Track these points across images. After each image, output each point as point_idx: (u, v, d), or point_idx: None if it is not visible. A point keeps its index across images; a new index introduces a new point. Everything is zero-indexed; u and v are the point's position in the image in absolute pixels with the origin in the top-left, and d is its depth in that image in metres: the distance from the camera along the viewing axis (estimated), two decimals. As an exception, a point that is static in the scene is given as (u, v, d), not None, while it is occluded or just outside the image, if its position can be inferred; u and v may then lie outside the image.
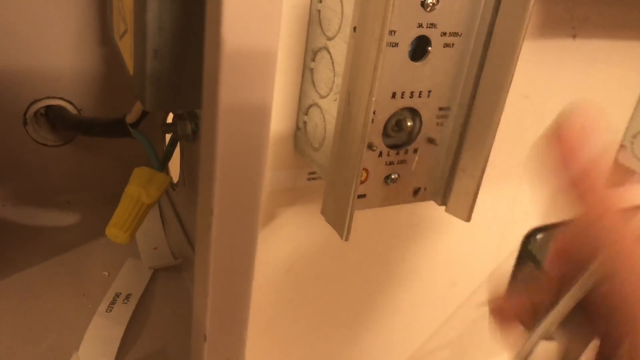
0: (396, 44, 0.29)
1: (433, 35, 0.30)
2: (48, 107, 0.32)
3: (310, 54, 0.35)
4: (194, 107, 0.21)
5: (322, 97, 0.34)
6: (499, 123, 0.32)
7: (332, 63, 0.32)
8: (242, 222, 0.18)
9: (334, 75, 0.32)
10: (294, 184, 0.40)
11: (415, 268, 0.50)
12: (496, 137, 0.33)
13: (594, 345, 0.22)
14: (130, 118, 0.27)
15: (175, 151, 0.31)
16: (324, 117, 0.34)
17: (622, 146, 0.55)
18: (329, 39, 0.32)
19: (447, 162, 0.35)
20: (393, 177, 0.34)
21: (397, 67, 0.30)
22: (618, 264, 0.19)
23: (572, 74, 0.48)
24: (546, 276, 0.23)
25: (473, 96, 0.33)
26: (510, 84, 0.31)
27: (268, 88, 0.17)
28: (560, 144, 0.21)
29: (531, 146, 0.50)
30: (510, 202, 0.53)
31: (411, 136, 0.34)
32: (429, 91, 0.32)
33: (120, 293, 0.28)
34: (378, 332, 0.52)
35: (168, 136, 0.30)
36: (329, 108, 0.33)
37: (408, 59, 0.30)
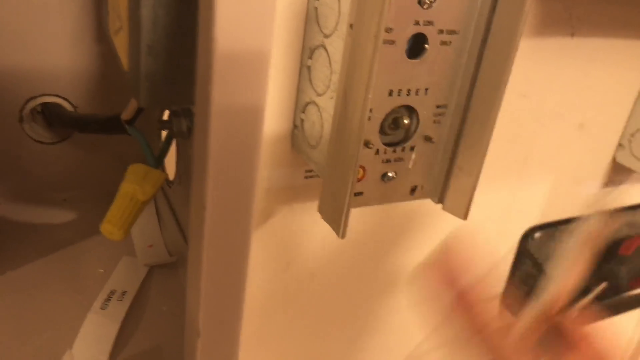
0: (393, 42, 0.29)
1: (430, 32, 0.30)
2: (44, 104, 0.32)
3: (307, 52, 0.35)
4: (188, 103, 0.21)
5: (319, 94, 0.34)
6: (496, 121, 0.32)
7: (329, 61, 0.32)
8: (235, 217, 0.18)
9: (331, 73, 0.32)
10: (291, 182, 0.40)
11: (412, 266, 0.50)
12: (494, 136, 0.33)
13: None
14: (125, 115, 0.27)
15: (172, 148, 0.31)
16: (321, 115, 0.34)
17: (620, 145, 0.55)
18: (326, 36, 0.32)
19: (444, 160, 0.35)
20: (390, 175, 0.34)
21: (393, 64, 0.30)
22: None
23: (570, 72, 0.48)
24: None
25: (470, 94, 0.33)
26: (507, 82, 0.31)
27: (261, 88, 0.17)
28: (445, 269, 0.24)
29: (529, 145, 0.50)
30: (508, 200, 0.53)
31: (408, 134, 0.34)
32: (426, 89, 0.32)
33: (116, 290, 0.28)
34: (375, 331, 0.52)
35: (165, 133, 0.30)
36: (326, 106, 0.33)
37: (405, 57, 0.30)
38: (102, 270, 0.30)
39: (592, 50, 0.47)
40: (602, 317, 0.61)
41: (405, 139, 0.34)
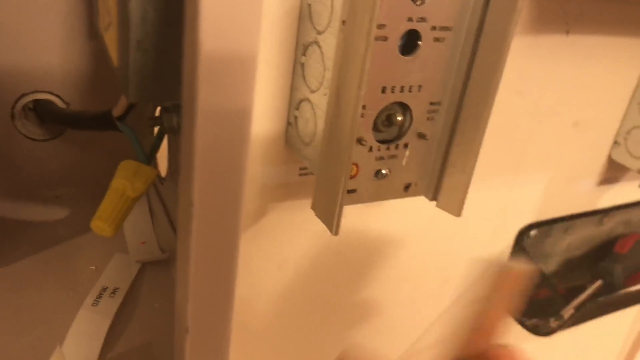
0: (385, 38, 0.29)
1: (423, 29, 0.30)
2: (36, 101, 0.32)
3: (301, 49, 0.35)
4: (178, 99, 0.21)
5: (312, 91, 0.34)
6: (489, 118, 0.32)
7: (323, 57, 0.32)
8: (224, 214, 0.18)
9: (325, 70, 0.32)
10: (286, 180, 0.40)
11: (406, 265, 0.50)
12: (490, 134, 0.33)
13: None
14: (116, 111, 0.27)
15: (164, 145, 0.31)
16: (314, 112, 0.34)
17: (615, 143, 0.55)
18: (320, 33, 0.32)
19: (438, 157, 0.35)
20: (384, 172, 0.34)
21: (386, 61, 0.30)
22: None
23: (565, 70, 0.48)
24: None
25: (464, 91, 0.33)
26: (500, 79, 0.31)
27: (248, 86, 0.17)
28: None
29: (525, 142, 0.50)
30: (504, 198, 0.53)
31: (402, 131, 0.33)
32: (420, 86, 0.32)
33: (107, 287, 0.28)
34: (370, 329, 0.52)
35: (157, 129, 0.30)
36: (320, 103, 0.33)
37: (398, 53, 0.30)
38: (94, 267, 0.30)
39: (587, 48, 0.47)
40: (598, 315, 0.61)
41: (399, 136, 0.34)
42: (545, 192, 0.55)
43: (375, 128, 0.32)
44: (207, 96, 0.16)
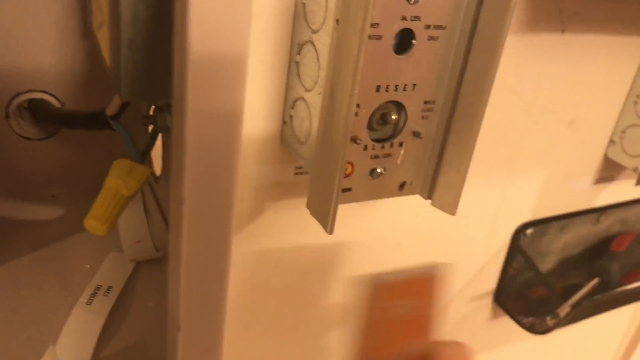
0: (379, 37, 0.29)
1: (417, 28, 0.30)
2: (31, 100, 0.32)
3: (296, 48, 0.35)
4: (170, 98, 0.21)
5: (307, 90, 0.34)
6: (483, 117, 0.32)
7: (317, 56, 0.32)
8: (215, 212, 0.18)
9: (319, 69, 0.32)
10: (281, 179, 0.40)
11: (402, 263, 0.50)
12: (486, 132, 0.33)
13: None
14: (110, 110, 0.27)
15: (160, 144, 0.31)
16: (309, 111, 0.34)
17: (611, 141, 0.55)
18: (314, 32, 0.32)
19: (433, 156, 0.35)
20: (379, 170, 0.34)
21: (381, 60, 0.30)
22: None
23: (561, 69, 0.48)
24: None
25: (458, 90, 0.33)
26: (494, 78, 0.31)
27: (238, 86, 0.17)
28: None
29: (521, 141, 0.50)
30: (500, 197, 0.53)
31: (396, 130, 0.34)
32: (414, 84, 0.32)
33: (101, 286, 0.28)
34: (367, 326, 0.52)
35: (151, 128, 0.30)
36: (315, 102, 0.33)
37: (392, 52, 0.30)
38: (88, 266, 0.30)
39: (582, 47, 0.47)
40: (594, 313, 0.61)
41: (394, 134, 0.34)
42: (542, 191, 0.55)
43: (370, 127, 0.32)
44: (196, 96, 0.16)
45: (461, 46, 0.32)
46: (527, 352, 0.69)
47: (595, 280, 0.58)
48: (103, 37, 0.23)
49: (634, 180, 0.54)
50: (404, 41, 0.30)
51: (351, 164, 0.33)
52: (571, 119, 0.52)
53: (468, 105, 0.33)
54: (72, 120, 0.31)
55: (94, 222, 0.24)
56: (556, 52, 0.46)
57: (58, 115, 0.32)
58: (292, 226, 0.43)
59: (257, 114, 0.37)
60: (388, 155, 0.34)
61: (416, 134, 0.34)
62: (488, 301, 0.61)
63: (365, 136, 0.32)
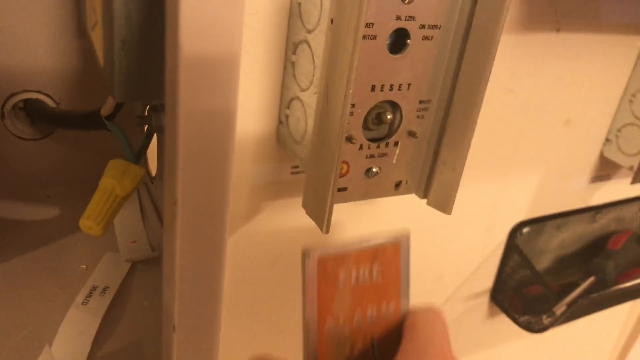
0: (374, 37, 0.29)
1: (412, 27, 0.30)
2: (26, 100, 0.32)
3: (291, 47, 0.35)
4: (164, 98, 0.21)
5: (303, 90, 0.34)
6: (478, 116, 0.32)
7: (312, 56, 0.32)
8: (208, 212, 0.18)
9: (314, 68, 0.32)
10: (278, 178, 0.40)
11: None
12: (481, 131, 0.33)
13: None
14: (104, 110, 0.27)
15: (156, 144, 0.31)
16: (305, 111, 0.34)
17: (607, 140, 0.55)
18: (309, 31, 0.32)
19: (428, 155, 0.35)
20: (374, 170, 0.34)
21: (375, 60, 0.30)
22: None
23: (556, 67, 0.48)
24: None
25: (453, 89, 0.33)
26: (489, 77, 0.31)
27: (231, 86, 0.17)
28: None
29: (517, 140, 0.50)
30: (496, 195, 0.53)
31: (392, 129, 0.34)
32: (409, 84, 0.32)
33: (97, 286, 0.28)
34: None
35: (146, 128, 0.30)
36: (310, 101, 0.33)
37: (387, 52, 0.30)
38: (84, 266, 0.30)
39: (578, 46, 0.48)
40: (590, 312, 0.62)
41: (389, 134, 0.34)
42: (538, 190, 0.55)
43: (365, 126, 0.33)
44: (189, 96, 0.16)
45: (456, 46, 0.32)
46: (524, 350, 0.69)
47: (592, 279, 0.58)
48: (97, 37, 0.23)
49: (629, 179, 0.54)
50: (398, 41, 0.31)
51: (347, 163, 0.33)
52: (567, 117, 0.52)
53: (463, 105, 0.33)
54: (67, 120, 0.31)
55: (89, 222, 0.24)
56: (551, 51, 0.46)
57: (53, 116, 0.32)
58: (288, 225, 0.43)
59: (253, 113, 0.37)
60: (383, 154, 0.34)
61: (411, 134, 0.34)
62: (484, 300, 0.61)
63: (360, 136, 0.32)
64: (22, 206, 0.34)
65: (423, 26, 0.31)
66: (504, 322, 0.60)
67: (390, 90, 0.32)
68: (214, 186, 0.18)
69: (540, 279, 0.56)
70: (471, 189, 0.50)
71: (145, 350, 0.26)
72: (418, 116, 0.34)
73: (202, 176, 0.17)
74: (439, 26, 0.31)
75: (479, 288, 0.59)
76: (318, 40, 0.31)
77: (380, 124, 0.33)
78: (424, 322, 0.30)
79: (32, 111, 0.32)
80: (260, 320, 0.46)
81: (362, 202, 0.35)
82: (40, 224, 0.33)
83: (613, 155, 0.55)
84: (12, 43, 0.31)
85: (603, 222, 0.62)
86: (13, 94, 0.32)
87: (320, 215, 0.32)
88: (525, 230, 0.56)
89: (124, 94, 0.20)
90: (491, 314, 0.62)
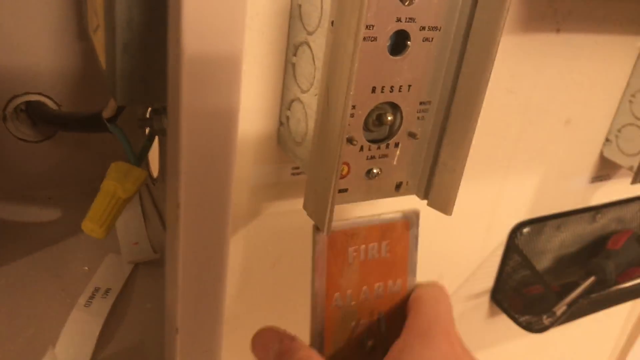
0: (374, 39, 0.30)
1: (412, 29, 0.30)
2: (28, 102, 0.32)
3: (292, 49, 0.35)
4: (165, 101, 0.21)
5: (303, 91, 0.34)
6: (478, 117, 0.32)
7: (313, 58, 0.32)
8: (211, 214, 0.18)
9: (315, 70, 0.32)
10: (278, 179, 0.40)
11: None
12: (481, 132, 0.33)
13: None
14: (106, 113, 0.27)
15: (157, 146, 0.31)
16: (305, 112, 0.34)
17: (607, 140, 0.56)
18: (310, 33, 0.32)
19: (428, 156, 0.35)
20: (375, 171, 0.34)
21: (376, 61, 0.30)
22: None
23: (556, 68, 0.48)
24: None
25: (453, 90, 0.33)
26: (489, 78, 0.31)
27: (233, 88, 0.17)
28: None
29: (517, 140, 0.50)
30: (496, 196, 0.53)
31: (392, 130, 0.34)
32: (409, 85, 0.32)
33: (100, 287, 0.28)
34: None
35: (148, 131, 0.30)
36: (311, 103, 0.33)
37: (387, 54, 0.30)
38: (86, 268, 0.30)
39: (577, 46, 0.48)
40: (591, 312, 0.62)
41: (390, 135, 0.34)
42: (538, 190, 0.55)
43: (366, 128, 0.33)
44: (191, 98, 0.16)
45: (456, 47, 0.32)
46: (524, 350, 0.69)
47: (592, 279, 0.58)
48: (98, 40, 0.23)
49: (629, 179, 0.54)
50: (399, 42, 0.31)
51: (347, 164, 0.33)
52: (567, 118, 0.52)
53: (463, 106, 0.33)
54: (68, 122, 0.31)
55: (91, 225, 0.25)
56: (551, 51, 0.46)
57: (55, 118, 0.32)
58: (289, 226, 0.43)
59: (253, 114, 0.37)
60: (384, 156, 0.34)
61: (412, 135, 0.34)
62: (485, 300, 0.61)
63: (361, 137, 0.32)
64: (24, 208, 0.34)
65: (423, 28, 0.31)
66: (504, 322, 0.60)
67: (390, 91, 0.32)
68: (216, 188, 0.18)
69: (541, 279, 0.56)
70: (471, 189, 0.50)
71: (147, 352, 0.26)
72: (418, 117, 0.34)
73: (205, 178, 0.17)
74: (439, 28, 0.31)
75: (479, 288, 0.60)
76: (318, 42, 0.31)
77: (380, 125, 0.33)
78: (428, 298, 0.30)
79: (34, 113, 0.32)
80: (261, 321, 0.46)
81: (363, 203, 0.35)
82: (41, 226, 0.33)
83: (613, 155, 0.55)
84: (14, 45, 0.31)
85: (603, 222, 0.62)
86: (15, 96, 0.32)
87: (321, 216, 0.32)
88: (525, 230, 0.56)
89: (126, 97, 0.20)
90: (491, 314, 0.63)
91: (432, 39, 0.31)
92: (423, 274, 0.54)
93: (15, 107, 0.32)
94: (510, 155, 0.51)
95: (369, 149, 0.33)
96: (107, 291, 0.28)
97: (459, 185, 0.34)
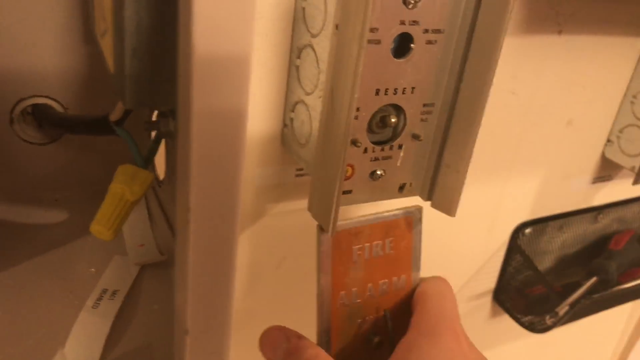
0: (378, 41, 0.30)
1: (415, 32, 0.31)
2: (34, 105, 0.33)
3: (295, 52, 0.35)
4: (173, 105, 0.21)
5: (307, 94, 0.34)
6: (482, 119, 0.32)
7: (317, 60, 0.33)
8: (220, 217, 0.18)
9: (319, 72, 0.32)
10: (283, 180, 0.41)
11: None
12: (484, 133, 0.33)
13: None
14: (113, 116, 0.27)
15: (162, 148, 0.31)
16: (309, 114, 0.34)
17: (608, 141, 0.56)
18: (314, 36, 0.33)
19: (432, 158, 0.35)
20: (379, 173, 0.34)
21: (380, 64, 0.31)
22: None
23: (558, 69, 0.48)
24: None
25: (456, 92, 0.33)
26: (492, 80, 0.32)
27: (242, 90, 0.17)
28: None
29: (519, 141, 0.51)
30: (499, 196, 0.53)
31: (396, 132, 0.34)
32: (413, 88, 0.33)
33: (107, 289, 0.28)
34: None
35: (154, 133, 0.31)
36: (315, 105, 0.34)
37: (391, 56, 0.31)
38: (93, 270, 0.30)
39: (579, 48, 0.48)
40: (593, 312, 0.62)
41: (393, 137, 0.34)
42: (540, 190, 0.55)
43: (370, 130, 0.33)
44: (201, 100, 0.16)
45: (459, 49, 0.32)
46: (526, 350, 0.70)
47: (594, 279, 0.58)
48: (106, 44, 0.23)
49: (631, 180, 0.55)
50: (402, 45, 0.31)
51: (351, 166, 0.33)
52: (569, 119, 0.52)
53: (466, 108, 0.33)
54: (75, 125, 0.32)
55: (99, 228, 0.25)
56: (553, 53, 0.47)
57: (61, 120, 0.32)
58: (293, 227, 0.43)
59: (258, 116, 0.37)
60: (388, 157, 0.34)
61: (415, 137, 0.34)
62: (487, 300, 0.61)
63: (365, 139, 0.33)
64: (31, 210, 0.34)
65: (427, 30, 0.31)
66: (506, 322, 0.60)
67: (394, 93, 0.32)
68: (225, 190, 0.18)
69: (543, 279, 0.56)
70: (474, 190, 0.51)
71: (155, 353, 0.26)
72: (422, 119, 0.34)
73: (215, 181, 0.18)
74: (442, 30, 0.31)
75: (482, 288, 0.60)
76: (322, 45, 0.32)
77: (384, 127, 0.33)
78: (434, 293, 0.30)
79: (40, 116, 0.32)
80: (267, 321, 0.46)
81: (367, 204, 0.36)
82: (48, 228, 0.33)
83: (614, 156, 0.55)
84: (20, 48, 0.31)
85: (605, 223, 0.62)
86: (21, 99, 0.32)
87: (326, 217, 0.32)
88: (527, 230, 0.56)
89: (135, 100, 0.21)
90: (494, 314, 0.63)
91: (436, 41, 0.32)
92: (425, 274, 0.54)
93: (22, 109, 0.33)
94: (512, 156, 0.51)
95: (373, 151, 0.33)
96: (114, 293, 0.28)
97: (463, 186, 0.34)
